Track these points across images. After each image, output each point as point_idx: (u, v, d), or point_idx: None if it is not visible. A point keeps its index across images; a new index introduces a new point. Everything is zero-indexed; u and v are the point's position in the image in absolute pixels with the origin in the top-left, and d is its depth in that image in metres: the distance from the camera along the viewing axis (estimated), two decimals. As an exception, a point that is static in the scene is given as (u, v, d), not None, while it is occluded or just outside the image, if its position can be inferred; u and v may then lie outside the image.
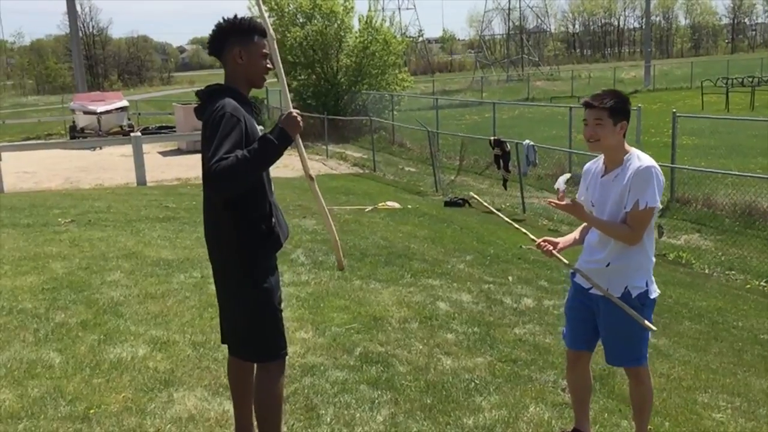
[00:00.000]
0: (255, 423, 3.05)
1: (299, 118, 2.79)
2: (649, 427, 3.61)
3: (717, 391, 4.25)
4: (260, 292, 2.88)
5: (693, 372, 4.56)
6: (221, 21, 2.86)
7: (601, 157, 3.22)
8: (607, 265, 3.15)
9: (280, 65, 2.92)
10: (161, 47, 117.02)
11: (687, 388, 4.25)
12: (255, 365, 3.03)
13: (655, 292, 3.18)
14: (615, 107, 3.05)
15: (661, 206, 3.07)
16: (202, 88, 2.93)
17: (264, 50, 2.88)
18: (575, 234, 3.44)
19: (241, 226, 2.83)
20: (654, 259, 3.22)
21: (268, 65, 2.92)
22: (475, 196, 4.09)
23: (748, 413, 3.96)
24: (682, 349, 5.08)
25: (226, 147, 2.61)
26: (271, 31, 2.93)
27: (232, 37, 2.83)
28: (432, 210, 11.63)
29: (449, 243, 8.45)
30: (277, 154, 2.72)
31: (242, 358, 3.03)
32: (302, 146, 2.91)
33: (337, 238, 3.11)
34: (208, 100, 2.83)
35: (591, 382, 3.50)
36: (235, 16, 2.87)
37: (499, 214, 3.80)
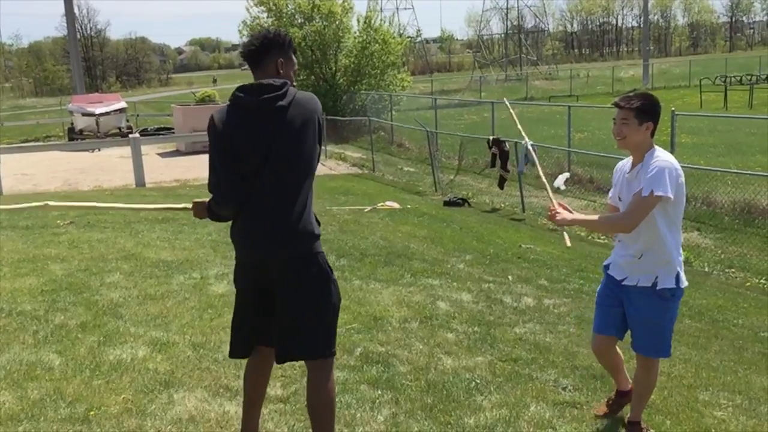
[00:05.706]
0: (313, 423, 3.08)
1: None
2: (650, 429, 3.61)
3: (718, 389, 4.25)
4: (336, 285, 3.09)
5: (694, 370, 4.56)
6: (267, 33, 3.01)
7: (631, 157, 3.41)
8: (640, 257, 3.31)
9: None
10: (159, 49, 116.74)
11: (688, 387, 4.25)
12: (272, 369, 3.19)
13: (684, 282, 3.33)
14: (641, 108, 3.26)
15: (672, 198, 3.14)
16: (264, 83, 2.91)
17: (296, 67, 3.13)
18: (589, 216, 3.67)
19: (313, 218, 3.04)
20: (682, 255, 3.36)
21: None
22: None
23: (749, 411, 3.95)
24: (682, 347, 5.07)
25: None
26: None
27: (274, 49, 3.00)
28: (431, 210, 11.62)
29: (449, 243, 8.45)
30: None
31: (296, 357, 3.05)
32: None
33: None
34: (282, 94, 2.89)
35: (621, 355, 3.66)
36: (279, 31, 3.03)
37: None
